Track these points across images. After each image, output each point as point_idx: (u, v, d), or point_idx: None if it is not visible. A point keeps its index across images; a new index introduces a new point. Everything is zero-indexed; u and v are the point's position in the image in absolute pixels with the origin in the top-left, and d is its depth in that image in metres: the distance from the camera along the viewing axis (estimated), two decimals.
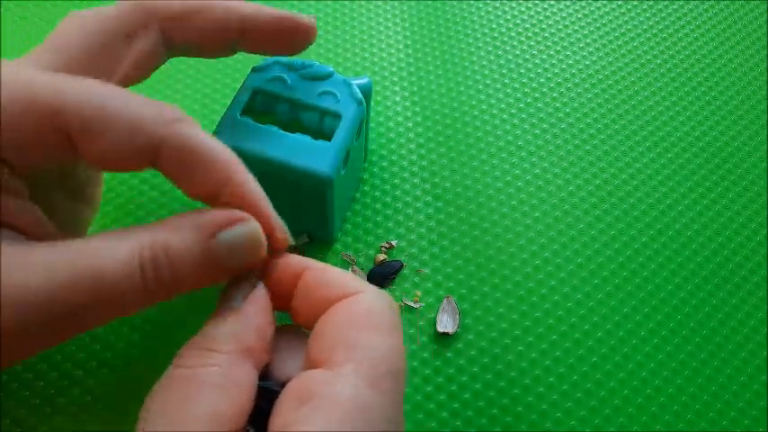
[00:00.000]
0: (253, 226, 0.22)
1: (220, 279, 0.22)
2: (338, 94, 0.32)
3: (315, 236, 0.36)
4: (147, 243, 0.20)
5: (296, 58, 0.33)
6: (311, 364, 0.20)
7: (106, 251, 0.19)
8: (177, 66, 0.43)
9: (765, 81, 0.45)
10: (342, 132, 0.31)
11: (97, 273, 0.19)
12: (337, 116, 0.32)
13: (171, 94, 0.41)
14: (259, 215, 0.22)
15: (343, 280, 0.22)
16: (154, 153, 0.21)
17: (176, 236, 0.20)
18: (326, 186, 0.30)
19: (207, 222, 0.21)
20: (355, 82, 0.33)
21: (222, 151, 0.22)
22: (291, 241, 0.24)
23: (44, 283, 0.18)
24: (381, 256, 0.35)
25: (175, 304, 0.34)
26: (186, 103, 0.41)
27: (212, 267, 0.21)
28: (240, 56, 0.44)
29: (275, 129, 0.31)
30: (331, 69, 0.33)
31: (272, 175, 0.31)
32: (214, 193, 0.22)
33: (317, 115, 0.32)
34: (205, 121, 0.40)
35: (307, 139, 0.30)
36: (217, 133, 0.30)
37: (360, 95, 0.32)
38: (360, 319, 0.20)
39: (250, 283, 0.23)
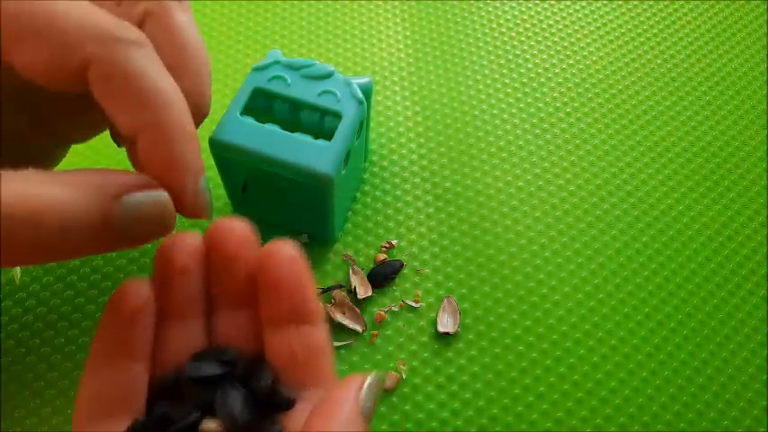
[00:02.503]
0: (162, 194, 0.19)
1: (119, 248, 0.19)
2: (339, 94, 0.32)
3: (316, 236, 0.36)
4: (32, 194, 0.16)
5: (297, 58, 0.33)
6: None
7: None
8: None
9: (765, 81, 0.45)
10: (342, 132, 0.31)
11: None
12: (338, 116, 0.31)
13: None
14: (171, 168, 0.19)
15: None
16: (82, 73, 0.18)
17: (74, 194, 0.17)
18: (327, 186, 0.30)
19: (120, 182, 0.18)
20: (356, 81, 0.32)
21: (161, 89, 0.19)
22: (208, 214, 0.21)
23: None
24: (382, 256, 0.35)
25: None
26: None
27: (107, 233, 0.18)
28: (240, 54, 0.44)
29: (276, 128, 0.31)
30: (332, 69, 0.33)
31: (273, 174, 0.31)
32: (133, 132, 0.19)
33: (317, 115, 0.32)
34: (206, 120, 0.40)
35: (307, 138, 0.30)
36: (217, 132, 0.30)
37: (360, 95, 0.32)
38: None
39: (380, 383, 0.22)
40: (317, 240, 0.36)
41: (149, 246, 0.35)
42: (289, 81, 0.32)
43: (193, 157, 0.20)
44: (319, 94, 0.32)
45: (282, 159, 0.30)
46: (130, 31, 0.19)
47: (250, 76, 0.33)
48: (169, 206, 0.19)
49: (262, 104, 0.33)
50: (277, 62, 0.33)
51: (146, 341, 0.21)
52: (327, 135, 0.32)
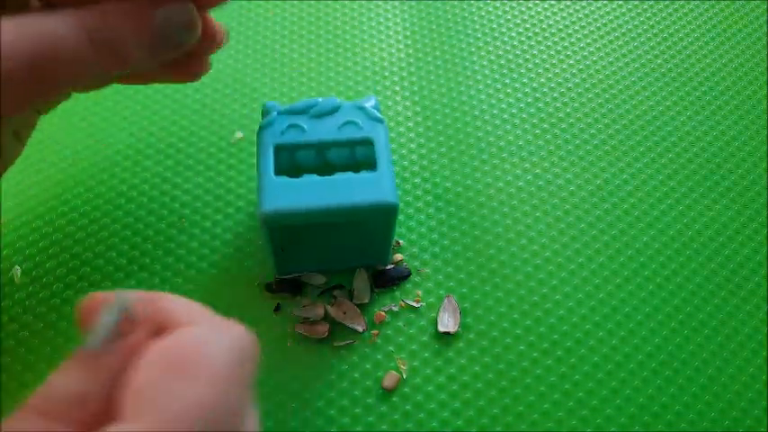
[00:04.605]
0: (190, 6, 0.23)
1: (162, 56, 0.23)
2: (359, 122, 0.31)
3: (369, 264, 0.34)
4: (95, 27, 0.21)
5: (296, 103, 0.32)
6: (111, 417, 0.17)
7: (53, 24, 0.21)
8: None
9: (765, 81, 0.45)
10: (383, 156, 0.30)
11: (49, 40, 0.20)
12: (368, 143, 0.31)
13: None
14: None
15: (176, 310, 0.19)
16: None
17: (120, 15, 0.22)
18: (392, 213, 0.29)
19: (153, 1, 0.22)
20: (365, 105, 0.32)
21: None
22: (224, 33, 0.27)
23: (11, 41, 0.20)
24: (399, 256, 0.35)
25: None
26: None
27: (154, 44, 0.23)
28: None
29: (315, 177, 0.29)
30: (337, 100, 0.32)
31: (334, 222, 0.29)
32: None
33: (346, 149, 0.31)
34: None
35: (352, 175, 0.29)
36: (266, 204, 0.28)
37: (378, 114, 0.31)
38: (173, 360, 0.17)
39: (126, 314, 0.18)
40: (371, 266, 0.35)
41: (150, 247, 0.35)
42: (304, 127, 0.31)
43: None
44: (339, 128, 0.31)
45: (342, 205, 0.28)
46: None
47: (262, 136, 0.31)
48: (196, 16, 0.24)
49: (287, 159, 0.31)
50: (279, 114, 0.32)
51: None
52: (363, 165, 0.31)
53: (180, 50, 0.24)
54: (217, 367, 0.17)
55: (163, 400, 0.16)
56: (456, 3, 0.48)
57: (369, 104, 0.32)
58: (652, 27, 0.48)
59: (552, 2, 0.48)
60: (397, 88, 0.42)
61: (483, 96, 0.43)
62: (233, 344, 0.18)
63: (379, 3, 0.47)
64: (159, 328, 0.18)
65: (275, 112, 0.32)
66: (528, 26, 0.47)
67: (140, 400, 0.16)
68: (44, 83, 0.21)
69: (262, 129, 0.31)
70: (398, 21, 0.46)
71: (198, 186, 0.38)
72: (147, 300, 0.19)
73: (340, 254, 0.34)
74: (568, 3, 0.48)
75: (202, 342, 0.17)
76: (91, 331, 0.18)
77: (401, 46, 0.45)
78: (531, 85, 0.43)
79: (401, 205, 0.37)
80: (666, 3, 0.49)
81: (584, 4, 0.48)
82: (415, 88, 0.43)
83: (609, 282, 0.35)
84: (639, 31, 0.47)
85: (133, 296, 0.19)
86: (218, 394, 0.17)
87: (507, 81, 0.43)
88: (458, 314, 0.33)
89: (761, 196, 0.39)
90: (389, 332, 0.33)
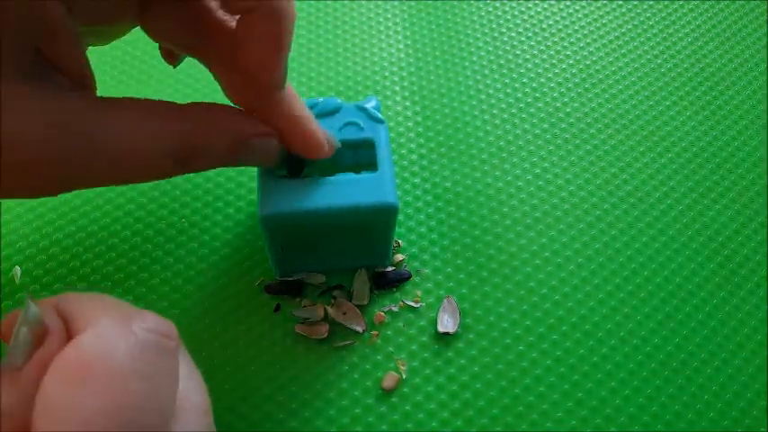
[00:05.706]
0: (276, 143, 0.26)
1: (232, 166, 0.25)
2: (360, 123, 0.31)
3: (370, 264, 0.34)
4: (188, 137, 0.21)
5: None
6: None
7: (148, 136, 0.20)
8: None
9: (765, 81, 0.45)
10: (384, 157, 0.30)
11: (135, 153, 0.20)
12: (370, 144, 0.31)
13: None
14: (301, 134, 0.27)
15: (76, 313, 0.19)
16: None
17: (215, 134, 0.22)
18: (393, 214, 0.30)
19: (246, 130, 0.24)
20: (366, 105, 0.32)
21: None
22: (337, 144, 0.29)
23: (87, 145, 0.19)
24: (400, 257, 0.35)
25: (188, 305, 0.34)
26: None
27: (231, 160, 0.24)
28: None
29: (317, 178, 0.29)
30: (338, 101, 0.32)
31: (335, 223, 0.29)
32: (261, 97, 0.25)
33: (350, 150, 0.31)
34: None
35: (354, 176, 0.29)
36: (265, 206, 0.28)
37: (379, 115, 0.31)
38: (71, 370, 0.17)
39: (37, 325, 0.18)
40: (371, 267, 0.35)
41: (149, 247, 0.35)
42: None
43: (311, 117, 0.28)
44: (340, 129, 0.31)
45: (343, 207, 0.28)
46: None
47: None
48: (275, 149, 0.26)
49: (290, 160, 0.31)
50: None
51: None
52: (364, 166, 0.31)
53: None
54: (115, 369, 0.17)
55: (65, 412, 0.16)
56: (456, 3, 0.48)
57: (369, 105, 0.32)
58: (652, 27, 0.48)
59: (552, 2, 0.48)
60: (397, 88, 0.42)
61: (483, 97, 0.43)
62: (133, 340, 0.18)
63: (379, 3, 0.47)
64: (68, 334, 0.19)
65: None
66: (528, 26, 0.47)
67: (46, 414, 0.16)
68: (111, 170, 0.20)
69: None
70: (398, 21, 0.46)
71: (198, 186, 0.38)
72: (52, 305, 0.19)
73: (340, 254, 0.33)
74: (568, 3, 0.48)
75: (98, 346, 0.17)
76: (9, 346, 0.18)
77: (401, 46, 0.45)
78: (531, 85, 0.43)
79: (401, 205, 0.37)
80: (666, 3, 0.49)
81: (584, 3, 0.48)
82: (415, 88, 0.43)
83: (608, 282, 0.35)
84: (639, 30, 0.47)
85: (41, 305, 0.19)
86: (122, 396, 0.17)
87: (507, 81, 0.43)
88: (457, 315, 0.33)
89: (761, 196, 0.39)
90: (389, 333, 0.33)
